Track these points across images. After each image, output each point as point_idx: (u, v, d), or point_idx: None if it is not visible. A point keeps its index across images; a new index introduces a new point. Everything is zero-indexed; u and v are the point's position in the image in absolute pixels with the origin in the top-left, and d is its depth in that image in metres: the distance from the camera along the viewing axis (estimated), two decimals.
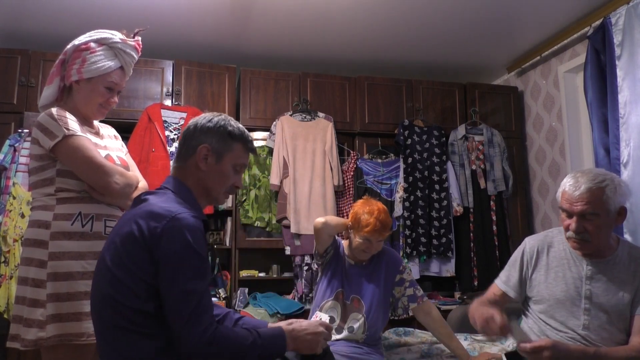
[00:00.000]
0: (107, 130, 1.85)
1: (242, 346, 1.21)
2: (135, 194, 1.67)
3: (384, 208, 2.08)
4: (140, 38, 1.77)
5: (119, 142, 1.87)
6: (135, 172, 1.78)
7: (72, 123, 1.59)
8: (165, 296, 1.18)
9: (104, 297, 1.22)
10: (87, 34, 1.68)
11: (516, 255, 1.84)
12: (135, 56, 1.75)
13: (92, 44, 1.65)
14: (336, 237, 2.17)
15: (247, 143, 1.41)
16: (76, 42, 1.66)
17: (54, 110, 1.59)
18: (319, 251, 2.14)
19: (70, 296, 1.52)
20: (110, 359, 1.22)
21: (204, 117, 1.39)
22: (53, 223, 1.56)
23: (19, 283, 1.60)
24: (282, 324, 1.39)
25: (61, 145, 1.54)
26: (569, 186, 1.61)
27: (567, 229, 1.63)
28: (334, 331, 2.01)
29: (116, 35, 1.69)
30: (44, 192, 1.61)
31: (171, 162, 1.43)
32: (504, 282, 1.84)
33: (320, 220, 2.05)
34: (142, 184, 1.78)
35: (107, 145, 1.75)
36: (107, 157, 1.66)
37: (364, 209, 2.04)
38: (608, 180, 1.58)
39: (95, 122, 1.80)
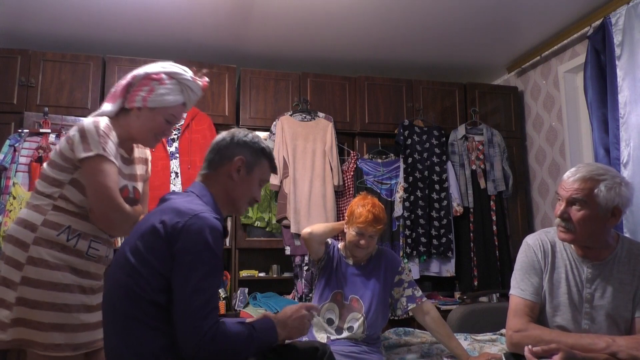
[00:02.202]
0: (142, 153, 1.84)
1: (241, 341, 1.25)
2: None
3: (379, 204, 2.10)
4: (207, 79, 1.78)
5: (145, 167, 1.86)
6: (144, 203, 1.79)
7: (111, 145, 1.58)
8: (177, 289, 1.21)
9: (120, 285, 1.25)
10: (160, 65, 1.68)
11: (528, 260, 1.71)
12: (199, 95, 1.76)
13: (164, 76, 1.66)
14: (330, 240, 2.18)
15: (273, 161, 1.54)
16: (148, 69, 1.66)
17: (102, 123, 1.58)
18: (313, 258, 2.16)
19: (37, 304, 1.49)
20: (116, 350, 1.24)
21: (239, 131, 1.49)
22: (40, 228, 1.54)
23: None
24: (268, 314, 1.45)
25: (89, 161, 1.53)
26: (568, 173, 1.61)
27: (557, 214, 1.63)
28: (333, 331, 2.01)
29: (188, 73, 1.70)
30: (47, 192, 1.59)
31: (199, 171, 1.48)
32: (532, 293, 1.66)
33: (307, 230, 2.06)
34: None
35: (132, 173, 1.74)
36: (123, 188, 1.65)
37: (359, 203, 2.09)
38: (608, 176, 1.56)
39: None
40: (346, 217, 2.13)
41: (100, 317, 1.51)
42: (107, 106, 1.66)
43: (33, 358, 1.52)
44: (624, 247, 1.65)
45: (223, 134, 1.49)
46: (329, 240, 2.18)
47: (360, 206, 2.06)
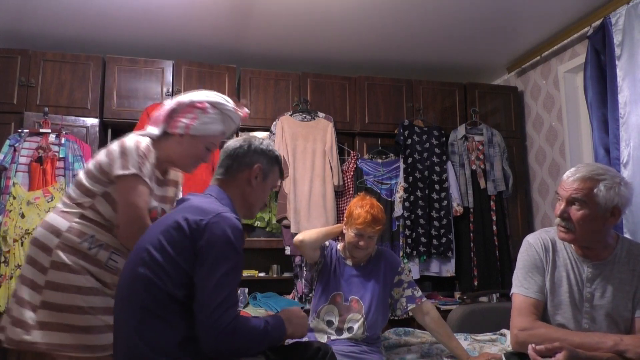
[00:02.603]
0: (175, 176, 1.88)
1: (258, 335, 1.31)
2: None
3: (378, 204, 2.09)
4: (247, 110, 1.83)
5: (175, 190, 1.89)
6: None
7: (147, 167, 1.62)
8: (199, 284, 1.25)
9: (140, 279, 1.27)
10: (204, 93, 1.73)
11: (530, 258, 1.70)
12: (238, 125, 1.82)
13: (208, 105, 1.70)
14: (328, 242, 2.17)
15: (282, 168, 1.64)
16: (193, 98, 1.71)
17: (143, 143, 1.62)
18: (309, 262, 2.15)
19: (64, 308, 1.53)
20: (133, 345, 1.25)
21: (255, 139, 1.56)
22: (64, 234, 1.58)
23: (19, 278, 1.62)
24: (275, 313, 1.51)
25: (125, 179, 1.57)
26: (568, 172, 1.62)
27: (556, 214, 1.63)
28: (333, 332, 2.01)
29: (230, 103, 1.75)
30: (78, 200, 1.63)
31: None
32: (536, 291, 1.66)
33: (298, 238, 2.05)
34: None
35: (164, 195, 1.79)
36: (153, 209, 1.69)
37: (358, 204, 2.08)
38: (607, 176, 1.56)
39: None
40: (345, 218, 2.13)
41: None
42: (151, 129, 1.71)
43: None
44: (623, 247, 1.66)
45: (239, 142, 1.55)
46: (327, 242, 2.17)
47: (359, 207, 2.05)
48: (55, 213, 1.63)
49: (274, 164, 1.57)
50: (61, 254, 1.55)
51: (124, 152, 1.59)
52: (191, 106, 1.69)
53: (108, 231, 1.62)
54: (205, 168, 3.26)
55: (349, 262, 2.13)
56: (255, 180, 1.51)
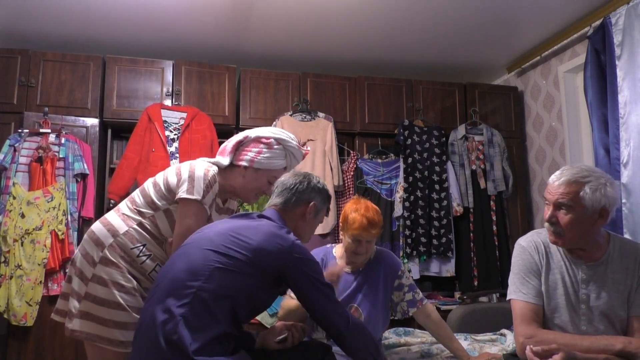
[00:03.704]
0: (231, 204, 1.96)
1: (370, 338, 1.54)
2: None
3: (373, 206, 1.99)
4: (309, 148, 1.96)
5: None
6: None
7: (210, 195, 1.72)
8: (310, 299, 1.47)
9: (206, 273, 1.35)
10: (270, 130, 1.84)
11: (524, 262, 1.70)
12: (299, 162, 1.91)
13: (273, 141, 1.80)
14: (322, 254, 2.09)
15: (329, 206, 1.78)
16: (259, 133, 1.81)
17: (211, 173, 1.73)
18: None
19: (104, 302, 1.62)
20: (173, 331, 1.28)
21: (313, 177, 1.69)
22: (120, 236, 1.68)
23: (75, 273, 1.71)
24: None
25: (187, 203, 1.67)
26: (554, 176, 1.62)
27: (545, 219, 1.63)
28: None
29: (293, 141, 1.85)
30: (141, 209, 1.73)
31: (274, 199, 1.69)
32: (535, 295, 1.65)
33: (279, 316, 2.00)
34: None
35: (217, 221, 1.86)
36: None
37: (352, 208, 1.98)
38: (593, 177, 1.55)
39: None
40: (340, 224, 2.03)
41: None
42: (220, 159, 1.80)
43: (95, 351, 1.65)
44: (615, 246, 1.66)
45: (299, 178, 1.67)
46: (322, 255, 2.09)
47: (354, 211, 1.95)
48: (117, 214, 1.74)
49: (326, 202, 1.70)
50: (111, 252, 1.65)
51: (192, 177, 1.69)
52: (257, 141, 1.79)
53: (159, 244, 1.72)
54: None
55: (347, 269, 2.03)
56: (309, 215, 1.64)
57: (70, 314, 1.65)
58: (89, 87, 3.26)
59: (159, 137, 3.16)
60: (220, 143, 3.47)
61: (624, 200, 2.72)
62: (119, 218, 1.72)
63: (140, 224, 1.70)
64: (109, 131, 3.37)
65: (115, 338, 1.60)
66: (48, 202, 2.88)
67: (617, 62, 2.83)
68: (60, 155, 2.99)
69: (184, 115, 3.29)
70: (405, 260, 3.44)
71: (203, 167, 1.73)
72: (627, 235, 2.68)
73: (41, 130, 3.00)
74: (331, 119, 3.56)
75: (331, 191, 3.41)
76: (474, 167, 3.70)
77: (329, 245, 2.18)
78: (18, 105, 3.13)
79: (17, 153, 2.93)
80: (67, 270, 2.71)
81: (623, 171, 2.75)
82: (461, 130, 3.73)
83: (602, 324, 1.60)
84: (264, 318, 3.01)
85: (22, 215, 2.82)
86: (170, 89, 3.37)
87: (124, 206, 1.77)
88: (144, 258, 1.68)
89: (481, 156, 3.72)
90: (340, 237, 2.08)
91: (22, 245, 2.79)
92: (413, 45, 3.65)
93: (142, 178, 3.05)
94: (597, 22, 3.04)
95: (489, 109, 3.91)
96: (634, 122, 2.73)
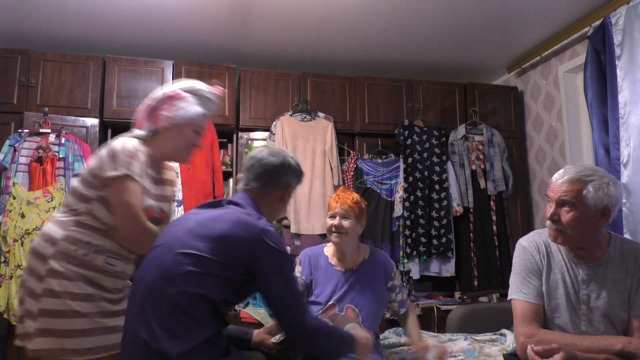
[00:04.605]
0: (169, 175, 1.90)
1: (341, 339, 1.49)
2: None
3: (350, 191, 2.10)
4: (221, 87, 1.88)
5: (173, 190, 1.92)
6: (169, 220, 1.85)
7: (136, 165, 1.64)
8: (277, 293, 1.37)
9: (172, 278, 1.30)
10: (176, 85, 1.78)
11: (525, 262, 1.70)
12: (217, 103, 1.86)
13: (182, 93, 1.75)
14: (307, 265, 2.10)
15: None
16: (166, 90, 1.76)
17: (130, 145, 1.65)
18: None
19: (61, 313, 1.54)
20: (156, 342, 1.25)
21: (287, 155, 1.59)
22: (60, 243, 1.59)
23: (20, 287, 1.63)
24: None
25: (115, 181, 1.59)
26: (557, 175, 1.62)
27: (546, 217, 1.63)
28: None
29: (202, 85, 1.81)
30: (74, 207, 1.65)
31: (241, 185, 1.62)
32: (536, 295, 1.65)
33: None
34: None
35: (161, 193, 1.80)
36: (148, 208, 1.70)
37: (332, 197, 2.11)
38: (596, 176, 1.56)
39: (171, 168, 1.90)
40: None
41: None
42: (137, 131, 1.75)
43: None
44: (616, 246, 1.66)
45: (275, 157, 1.57)
46: (304, 259, 2.12)
47: (332, 197, 2.09)
48: (52, 222, 1.65)
49: (300, 180, 1.65)
50: (56, 262, 1.57)
51: (112, 154, 1.61)
52: (168, 99, 1.74)
53: (104, 235, 1.64)
54: (204, 168, 3.27)
55: (339, 268, 2.06)
56: (288, 198, 1.61)
57: (28, 335, 1.55)
58: (89, 87, 3.26)
59: None
60: (221, 143, 3.52)
61: (624, 200, 2.72)
62: (55, 226, 1.63)
63: (77, 223, 1.62)
64: (109, 131, 3.37)
65: (81, 347, 1.53)
66: (48, 202, 2.88)
67: (617, 62, 2.83)
68: (60, 155, 2.99)
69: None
70: (406, 260, 3.44)
71: (120, 141, 1.65)
72: (627, 235, 2.68)
73: (41, 130, 3.00)
74: (331, 119, 3.56)
75: (330, 191, 3.42)
76: (474, 167, 3.70)
77: (321, 245, 2.20)
78: (18, 105, 3.13)
79: (17, 153, 2.93)
80: None
81: (623, 171, 2.75)
82: (461, 130, 3.73)
83: (603, 324, 1.60)
84: (264, 318, 3.01)
85: (22, 215, 2.82)
86: None
87: (56, 214, 1.69)
88: (92, 255, 1.60)
89: (481, 156, 3.72)
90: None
91: (22, 245, 2.79)
92: (413, 45, 3.65)
93: None
94: (597, 22, 3.04)
95: (489, 109, 3.91)
96: (634, 122, 2.73)
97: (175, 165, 2.54)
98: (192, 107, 1.74)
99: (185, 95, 1.75)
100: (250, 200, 1.52)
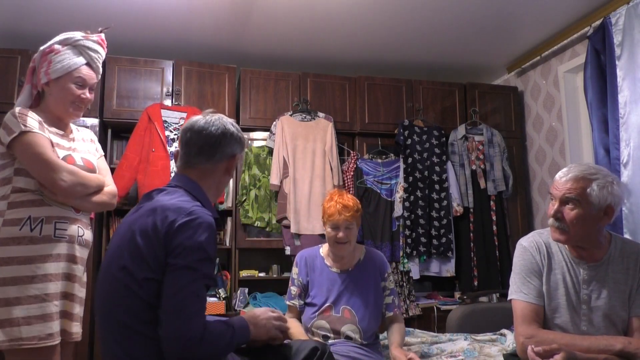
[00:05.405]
0: (82, 134, 1.89)
1: (225, 340, 1.26)
2: (101, 198, 1.74)
3: (348, 195, 2.05)
4: (103, 35, 1.84)
5: (93, 146, 1.90)
6: (103, 176, 1.81)
7: (31, 121, 1.64)
8: (165, 291, 1.19)
9: (114, 291, 1.23)
10: (52, 40, 1.75)
11: (526, 262, 1.69)
12: (100, 52, 1.82)
13: (56, 46, 1.72)
14: (304, 268, 2.09)
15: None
16: (41, 47, 1.73)
17: (17, 109, 1.67)
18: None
19: (19, 300, 1.51)
20: (116, 356, 1.23)
21: (232, 125, 1.44)
22: (2, 229, 1.57)
23: None
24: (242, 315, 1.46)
25: (17, 141, 1.59)
26: (561, 173, 1.62)
27: (550, 214, 1.63)
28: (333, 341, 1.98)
29: (79, 34, 1.76)
30: (0, 193, 1.63)
31: (173, 162, 1.51)
32: (536, 296, 1.65)
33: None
34: (110, 189, 1.81)
35: (73, 147, 1.77)
36: (67, 157, 1.68)
37: (327, 200, 2.05)
38: (600, 175, 1.56)
39: (73, 126, 1.85)
40: (322, 219, 2.07)
41: (73, 309, 1.62)
42: (20, 97, 1.75)
43: (26, 355, 1.52)
44: (617, 246, 1.66)
45: (216, 126, 1.40)
46: (301, 260, 2.10)
47: (328, 202, 2.02)
48: None
49: (243, 149, 1.52)
50: (6, 248, 1.55)
51: (4, 124, 1.63)
52: (43, 56, 1.72)
53: (42, 204, 1.62)
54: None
55: (335, 269, 2.05)
56: (233, 169, 1.47)
57: None
58: None
59: (159, 137, 3.16)
60: None
61: (624, 200, 2.72)
62: None
63: (10, 205, 1.59)
64: (109, 131, 3.37)
65: (39, 334, 1.51)
66: None
67: (617, 62, 2.83)
68: None
69: (184, 115, 3.29)
70: (406, 260, 3.44)
71: (9, 112, 1.66)
72: (627, 235, 2.68)
73: None
74: (331, 119, 3.57)
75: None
76: (474, 167, 3.70)
77: (317, 246, 2.19)
78: None
79: None
80: None
81: (623, 171, 2.75)
82: (461, 130, 3.73)
83: (603, 324, 1.60)
84: None
85: None
86: (170, 89, 3.37)
87: None
88: (38, 228, 1.57)
89: (481, 156, 3.72)
90: (325, 233, 2.08)
91: None
92: (413, 45, 3.65)
93: (142, 178, 3.05)
94: (597, 22, 3.04)
95: (489, 109, 3.91)
96: (634, 122, 2.73)
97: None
98: (69, 59, 1.71)
99: (60, 48, 1.72)
100: (188, 179, 1.39)
